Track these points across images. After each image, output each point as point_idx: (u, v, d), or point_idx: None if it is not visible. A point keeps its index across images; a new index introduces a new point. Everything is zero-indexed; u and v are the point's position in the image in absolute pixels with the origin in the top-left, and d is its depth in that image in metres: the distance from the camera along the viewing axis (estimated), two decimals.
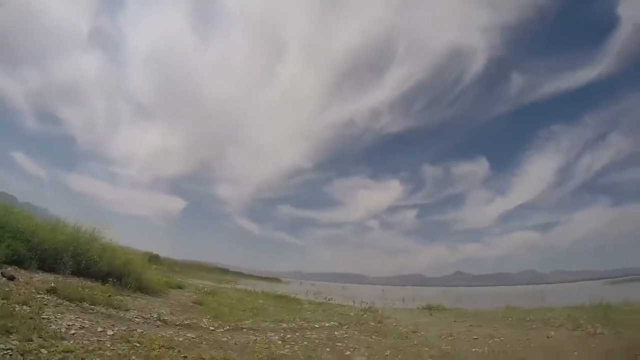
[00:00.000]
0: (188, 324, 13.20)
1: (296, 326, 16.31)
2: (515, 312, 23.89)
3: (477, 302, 36.21)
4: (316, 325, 17.04)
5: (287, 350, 11.68)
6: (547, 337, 15.09)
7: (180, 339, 10.76)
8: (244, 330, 14.15)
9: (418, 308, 28.69)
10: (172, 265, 46.44)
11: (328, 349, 12.58)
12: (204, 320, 14.45)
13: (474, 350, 13.35)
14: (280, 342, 12.66)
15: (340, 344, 13.51)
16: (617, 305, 21.56)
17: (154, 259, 44.15)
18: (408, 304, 33.38)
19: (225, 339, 12.01)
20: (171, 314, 14.57)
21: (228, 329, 13.60)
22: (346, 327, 17.50)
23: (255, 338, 12.76)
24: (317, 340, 13.64)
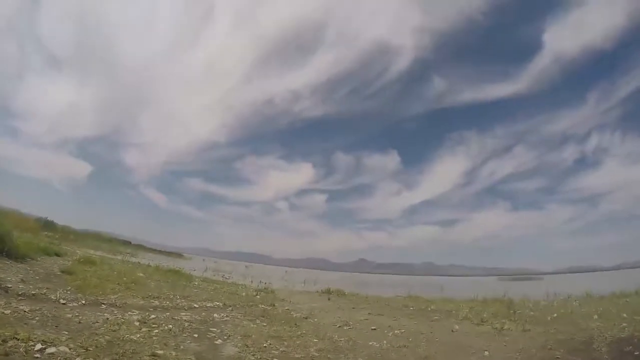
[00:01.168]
0: (35, 295, 11.03)
1: (171, 305, 13.97)
2: (417, 301, 23.22)
3: (378, 289, 35.67)
4: (195, 305, 14.70)
5: (140, 334, 9.01)
6: (452, 330, 13.68)
7: (7, 312, 8.58)
8: (103, 306, 11.53)
9: (317, 292, 26.90)
10: (67, 234, 42.84)
11: (196, 335, 10.10)
12: (59, 292, 12.08)
13: (370, 343, 11.44)
14: (137, 323, 10.04)
15: (214, 329, 11.11)
16: (517, 301, 21.05)
17: (48, 226, 41.94)
18: (309, 287, 31.73)
19: (70, 315, 9.57)
20: (22, 281, 12.45)
21: (83, 304, 11.28)
22: (230, 308, 15.30)
23: (109, 317, 10.10)
24: (187, 324, 11.12)
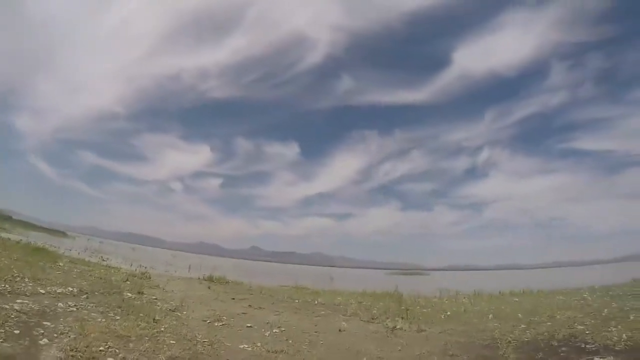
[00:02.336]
0: None
1: (10, 289, 10.80)
2: (303, 293, 21.55)
3: (266, 278, 33.75)
4: (42, 291, 11.56)
5: None
6: (339, 330, 11.80)
7: None
8: None
9: (199, 278, 24.00)
10: None
11: (17, 332, 7.37)
12: None
13: (241, 347, 9.17)
14: None
15: (48, 323, 8.30)
16: (407, 296, 20.08)
17: None
18: (193, 272, 28.54)
19: None
20: None
21: None
22: (86, 296, 12.19)
23: None
24: (14, 314, 8.29)
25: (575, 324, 11.31)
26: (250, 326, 11.40)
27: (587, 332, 10.27)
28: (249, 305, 15.19)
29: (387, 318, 13.52)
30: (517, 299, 18.47)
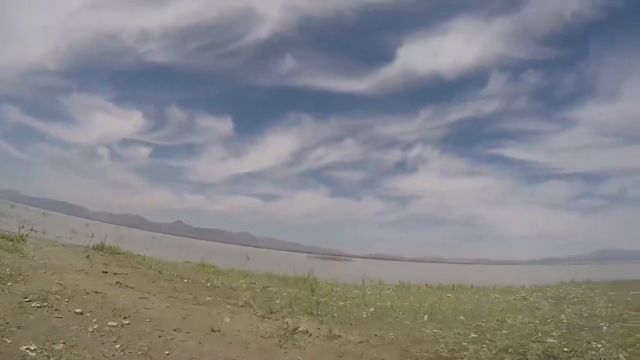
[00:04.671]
0: None
1: None
2: (203, 271, 17.53)
3: (176, 253, 29.49)
4: None
5: None
6: (213, 329, 7.91)
7: None
8: None
9: (87, 247, 19.05)
10: None
11: None
12: None
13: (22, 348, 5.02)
14: None
15: None
16: (323, 283, 16.65)
17: None
18: (94, 241, 23.32)
19: None
20: None
21: None
22: None
23: None
24: None
25: (539, 334, 8.46)
26: (81, 312, 7.34)
27: (564, 348, 7.36)
28: (117, 282, 11.07)
29: (290, 313, 9.93)
30: (450, 295, 15.61)
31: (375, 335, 8.28)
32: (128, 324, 7.26)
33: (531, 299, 14.77)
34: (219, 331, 7.76)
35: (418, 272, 40.28)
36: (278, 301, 11.41)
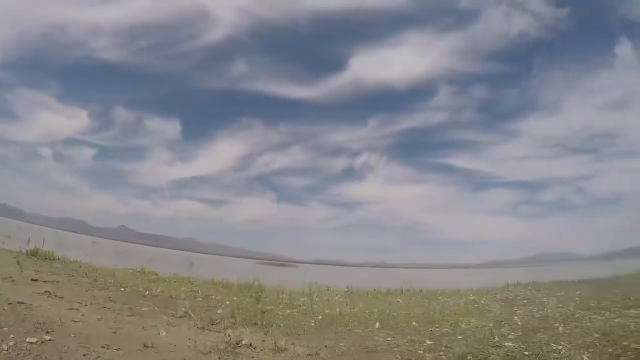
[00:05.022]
0: None
1: None
2: (143, 279, 16.32)
3: (117, 259, 27.24)
4: None
5: None
6: (145, 345, 6.90)
7: None
8: None
9: (19, 252, 17.04)
10: None
11: None
12: None
13: None
14: None
15: None
16: (270, 289, 15.89)
17: None
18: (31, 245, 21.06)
19: None
20: None
21: None
22: None
23: None
24: None
25: (496, 338, 8.08)
26: None
27: (525, 352, 6.96)
28: (46, 291, 9.72)
29: (233, 324, 9.01)
30: (399, 300, 15.20)
31: (325, 346, 7.51)
32: (50, 339, 6.14)
33: (481, 301, 14.61)
34: (152, 347, 6.75)
35: (365, 277, 39.93)
36: (220, 311, 10.45)
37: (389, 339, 8.12)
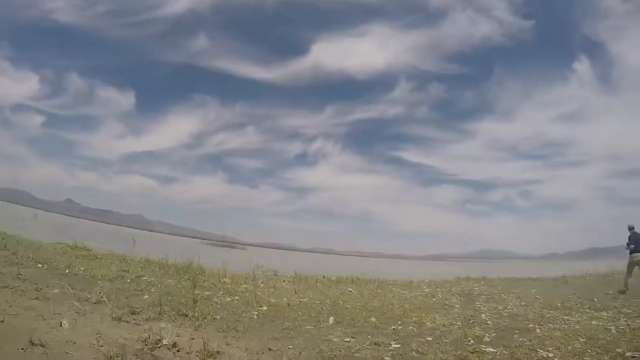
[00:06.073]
0: None
1: None
2: (71, 255, 13.86)
3: (51, 234, 24.59)
4: None
5: None
6: (33, 342, 5.06)
7: None
8: None
9: None
10: None
11: None
12: None
13: None
14: None
15: None
16: (211, 272, 14.32)
17: None
18: None
19: None
20: None
21: None
22: None
23: None
24: None
25: (471, 340, 6.86)
26: None
27: (510, 359, 5.64)
28: None
29: (159, 314, 7.24)
30: (351, 289, 13.82)
31: (269, 349, 5.90)
32: None
33: (438, 295, 13.56)
34: (41, 345, 4.95)
35: (313, 263, 38.85)
36: (146, 296, 8.61)
37: (348, 339, 6.63)
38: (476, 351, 6.13)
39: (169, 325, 6.48)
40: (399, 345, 6.40)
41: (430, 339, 6.92)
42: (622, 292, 12.92)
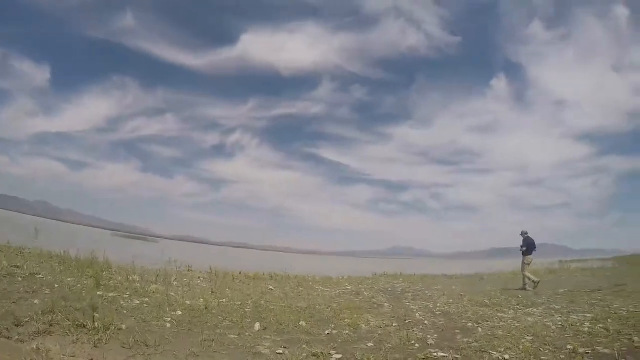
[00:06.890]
0: None
1: None
2: None
3: None
4: None
5: None
6: None
7: None
8: None
9: None
10: None
11: None
12: None
13: None
14: None
15: None
16: (120, 267, 12.70)
17: None
18: None
19: None
20: None
21: None
22: None
23: None
24: None
25: (416, 345, 6.21)
26: None
27: None
28: None
29: (50, 325, 5.66)
30: (272, 288, 12.77)
31: None
32: None
33: (364, 292, 13.01)
34: None
35: (228, 258, 37.49)
36: (37, 301, 6.92)
37: (280, 351, 5.58)
38: (428, 357, 5.45)
39: (61, 343, 5.01)
40: (341, 356, 5.50)
41: (372, 344, 6.13)
42: (537, 284, 13.97)
